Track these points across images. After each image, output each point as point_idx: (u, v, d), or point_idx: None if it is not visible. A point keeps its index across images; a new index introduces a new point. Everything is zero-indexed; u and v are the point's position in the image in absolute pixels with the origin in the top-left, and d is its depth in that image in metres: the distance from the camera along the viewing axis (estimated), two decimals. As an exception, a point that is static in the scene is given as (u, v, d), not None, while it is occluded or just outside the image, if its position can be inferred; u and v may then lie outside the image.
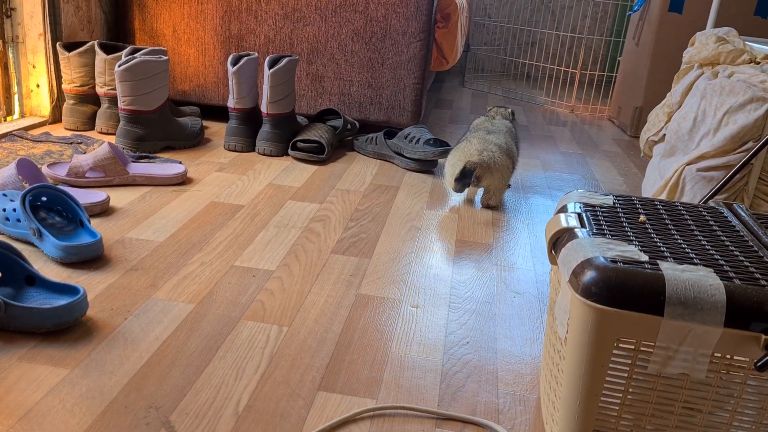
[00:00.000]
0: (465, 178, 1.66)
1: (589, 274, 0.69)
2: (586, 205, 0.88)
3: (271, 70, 1.92)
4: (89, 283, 1.16)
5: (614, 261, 0.70)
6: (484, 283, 1.30)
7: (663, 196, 1.68)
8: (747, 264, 0.73)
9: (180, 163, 1.77)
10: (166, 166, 1.71)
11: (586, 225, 0.81)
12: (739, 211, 0.91)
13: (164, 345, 1.00)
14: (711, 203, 0.94)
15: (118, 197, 1.56)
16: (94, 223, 1.41)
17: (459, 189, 1.69)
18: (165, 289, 1.16)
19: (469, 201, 1.77)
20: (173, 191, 1.63)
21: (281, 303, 1.15)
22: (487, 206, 1.73)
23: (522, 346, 1.09)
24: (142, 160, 1.79)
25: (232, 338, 1.03)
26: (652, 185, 1.74)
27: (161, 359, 0.96)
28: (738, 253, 0.76)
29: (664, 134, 1.83)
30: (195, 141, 2.01)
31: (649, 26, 2.67)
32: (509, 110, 1.99)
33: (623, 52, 3.01)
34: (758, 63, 1.69)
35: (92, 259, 1.24)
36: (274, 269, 1.27)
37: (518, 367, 1.03)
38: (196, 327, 1.05)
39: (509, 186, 1.96)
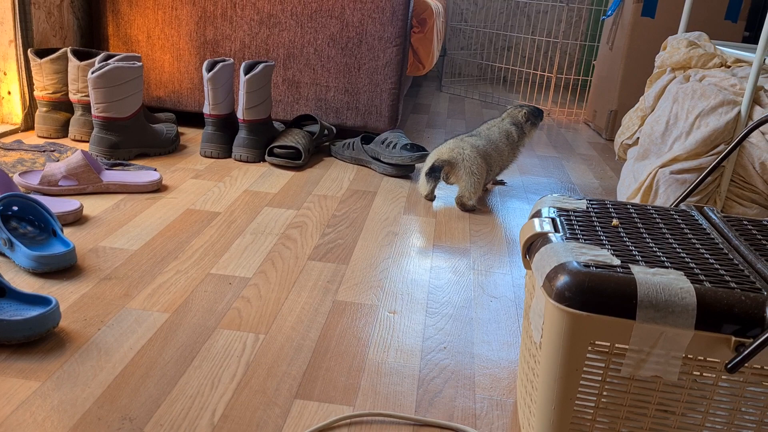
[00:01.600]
0: (434, 172, 1.73)
1: (562, 279, 0.69)
2: (560, 209, 0.88)
3: (247, 76, 1.91)
4: (62, 293, 1.15)
5: (587, 265, 0.71)
6: (461, 288, 1.30)
7: (637, 199, 1.70)
8: (717, 267, 0.74)
9: (155, 170, 1.75)
10: (140, 173, 1.69)
11: (560, 230, 0.81)
12: (710, 213, 0.92)
13: (138, 355, 0.99)
14: (683, 206, 0.95)
15: (92, 206, 1.54)
16: (67, 233, 1.39)
17: (428, 190, 1.76)
18: (139, 298, 1.15)
19: (447, 206, 1.77)
20: (148, 199, 1.61)
21: (258, 310, 1.14)
22: (461, 206, 1.74)
23: (499, 351, 1.09)
24: (117, 168, 1.77)
25: (207, 347, 1.02)
26: (627, 188, 1.76)
27: (135, 370, 0.95)
28: (708, 256, 0.77)
29: (638, 137, 1.85)
30: (170, 148, 2.00)
31: (622, 31, 2.71)
32: (523, 111, 1.93)
33: (598, 56, 3.04)
34: (729, 67, 1.72)
35: (65, 268, 1.22)
36: (251, 276, 1.27)
37: (495, 372, 1.03)
38: (171, 336, 1.04)
39: (503, 183, 1.97)
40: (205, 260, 1.32)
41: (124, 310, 1.11)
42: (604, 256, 0.73)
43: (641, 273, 0.69)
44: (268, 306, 1.16)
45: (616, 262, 0.72)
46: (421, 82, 3.92)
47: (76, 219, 1.44)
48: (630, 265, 0.71)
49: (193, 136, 2.21)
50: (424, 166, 1.77)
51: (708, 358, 0.68)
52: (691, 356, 0.68)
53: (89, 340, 1.01)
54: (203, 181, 1.78)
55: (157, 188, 1.67)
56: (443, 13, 3.01)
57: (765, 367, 0.67)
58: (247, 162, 1.97)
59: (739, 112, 1.59)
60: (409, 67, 2.41)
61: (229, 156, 2.01)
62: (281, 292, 1.22)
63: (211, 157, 1.99)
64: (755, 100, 1.60)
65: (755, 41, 2.78)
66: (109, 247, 1.34)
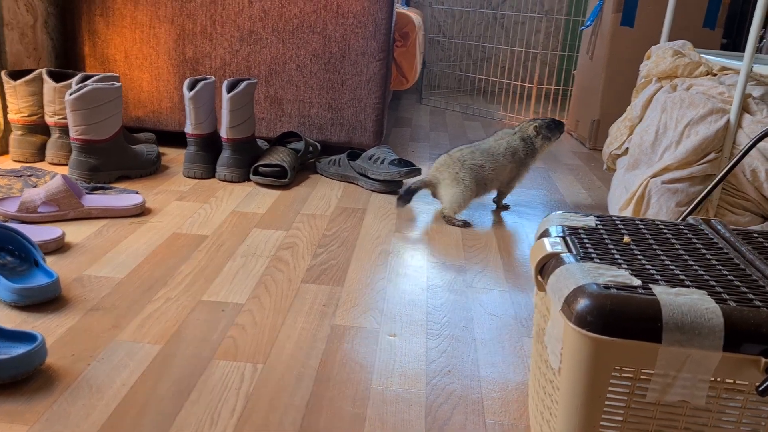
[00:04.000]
0: (408, 195, 1.76)
1: (582, 302, 0.67)
2: (569, 227, 0.86)
3: (229, 95, 1.87)
4: (47, 327, 1.09)
5: (607, 287, 0.68)
6: (460, 307, 1.27)
7: (629, 209, 1.68)
8: (738, 284, 0.72)
9: (137, 193, 1.70)
10: (122, 197, 1.64)
11: (572, 249, 0.79)
12: (719, 227, 0.90)
13: (132, 391, 0.94)
14: (690, 220, 0.94)
15: (74, 232, 1.49)
16: (50, 262, 1.33)
17: (400, 206, 1.79)
18: (129, 329, 1.10)
19: (438, 221, 1.75)
20: (132, 223, 1.56)
21: (254, 338, 1.10)
22: (445, 219, 1.72)
23: (505, 372, 1.06)
24: (98, 192, 1.71)
25: (204, 380, 0.98)
26: (618, 198, 1.75)
27: (129, 407, 0.91)
28: (726, 273, 0.75)
29: (627, 147, 1.85)
30: (152, 169, 1.95)
31: (602, 40, 2.72)
32: (533, 125, 1.82)
33: (577, 66, 3.05)
34: (715, 75, 1.72)
35: (49, 300, 1.17)
36: (244, 302, 1.22)
37: (503, 395, 1.00)
38: (165, 370, 1.00)
39: (507, 207, 1.90)
40: (195, 286, 1.27)
41: (113, 343, 1.06)
42: (623, 276, 0.71)
43: (663, 293, 0.67)
44: (264, 333, 1.12)
45: (637, 282, 0.69)
46: (401, 95, 3.91)
47: (59, 247, 1.39)
48: (651, 286, 0.69)
49: (174, 156, 2.16)
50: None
51: (736, 381, 0.66)
52: (718, 379, 0.66)
53: (79, 376, 0.97)
54: (188, 202, 1.73)
55: (141, 212, 1.62)
56: (423, 26, 3.01)
57: (795, 388, 0.65)
58: (231, 182, 1.93)
59: (729, 120, 1.58)
60: (393, 81, 2.39)
61: (213, 176, 1.96)
62: (277, 317, 1.18)
63: (195, 178, 1.94)
64: (744, 108, 1.60)
65: (733, 48, 2.81)
66: (95, 275, 1.29)
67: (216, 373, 1.00)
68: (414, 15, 2.56)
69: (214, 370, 1.01)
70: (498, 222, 1.78)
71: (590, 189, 2.17)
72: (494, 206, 1.91)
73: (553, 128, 1.85)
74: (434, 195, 1.79)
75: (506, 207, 1.91)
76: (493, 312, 1.26)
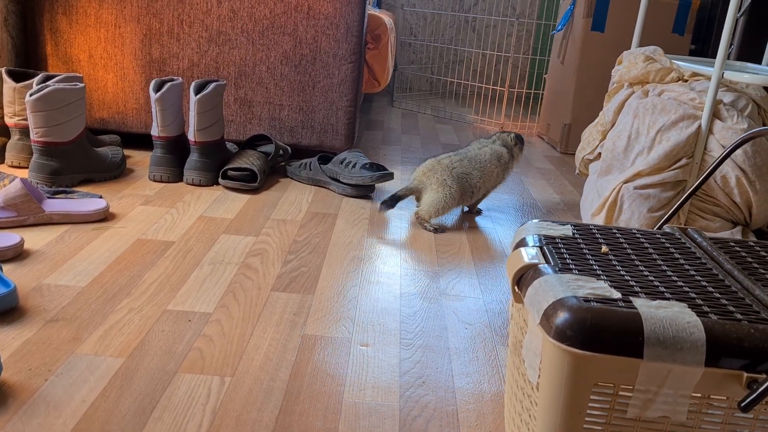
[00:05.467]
0: (393, 201, 1.73)
1: (562, 316, 0.65)
2: (545, 237, 0.84)
3: (197, 96, 1.82)
4: (2, 340, 1.04)
5: (587, 300, 0.66)
6: (433, 315, 1.25)
7: (602, 215, 1.68)
8: (717, 296, 0.70)
9: (101, 197, 1.65)
10: (85, 201, 1.59)
11: (550, 260, 0.77)
12: (695, 236, 0.89)
13: (92, 408, 0.90)
14: (666, 228, 0.93)
15: (33, 239, 1.43)
16: (7, 270, 1.28)
17: (382, 210, 1.77)
18: (90, 342, 1.06)
19: (411, 226, 1.72)
20: (94, 229, 1.51)
21: (221, 350, 1.07)
22: (417, 218, 1.70)
23: (480, 383, 1.04)
24: (59, 196, 1.65)
25: (168, 395, 0.94)
26: (591, 204, 1.75)
27: (89, 425, 0.86)
28: (705, 284, 0.73)
29: (600, 152, 1.85)
30: (117, 172, 1.89)
31: (573, 45, 2.72)
32: (512, 135, 1.91)
33: (549, 70, 3.06)
34: (686, 81, 1.72)
35: (5, 311, 1.12)
36: (212, 311, 1.19)
37: (479, 407, 0.98)
38: (128, 384, 0.96)
39: (479, 212, 1.89)
40: (160, 295, 1.23)
41: (73, 356, 1.01)
42: (603, 288, 0.69)
43: (644, 307, 0.65)
44: (233, 344, 1.09)
45: (617, 295, 0.68)
46: (373, 98, 3.88)
47: (17, 254, 1.33)
48: (631, 298, 0.67)
49: (140, 159, 2.11)
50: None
51: (717, 396, 0.64)
52: (699, 394, 0.64)
53: (35, 393, 0.92)
54: (154, 207, 1.68)
55: (104, 217, 1.57)
56: (394, 28, 2.98)
57: (776, 403, 0.64)
58: (199, 186, 1.88)
59: (700, 126, 1.59)
60: (365, 84, 2.37)
61: (180, 180, 1.91)
62: (245, 327, 1.14)
63: (161, 182, 1.89)
64: (715, 114, 1.60)
65: (702, 54, 2.84)
66: (54, 284, 1.23)
67: (181, 388, 0.96)
68: (386, 17, 2.53)
69: (179, 384, 0.97)
70: (471, 227, 1.76)
71: (562, 193, 2.17)
72: (465, 210, 1.89)
73: (522, 140, 1.96)
74: (417, 200, 1.76)
75: (479, 212, 1.90)
76: (467, 320, 1.24)
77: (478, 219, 1.84)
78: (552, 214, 1.93)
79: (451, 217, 1.83)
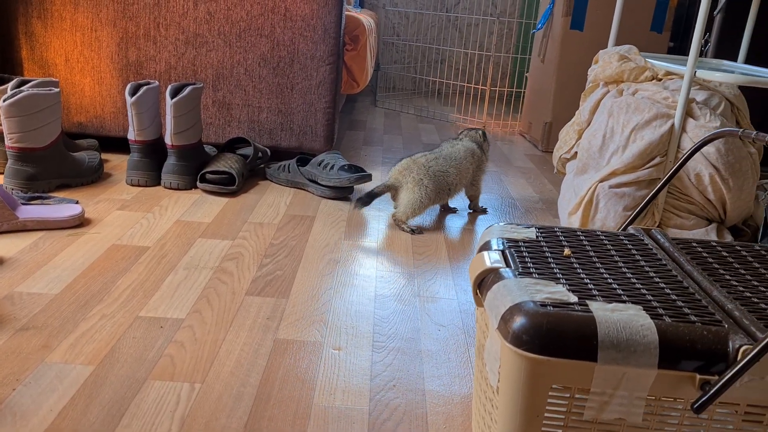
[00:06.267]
0: (369, 198, 1.74)
1: (518, 321, 0.65)
2: (509, 240, 0.85)
3: (173, 100, 1.82)
4: (-29, 349, 1.04)
5: (543, 305, 0.67)
6: (407, 317, 1.25)
7: (579, 214, 1.69)
8: (674, 298, 0.71)
9: (77, 202, 1.64)
10: (61, 207, 1.58)
11: (511, 263, 0.77)
12: (659, 237, 0.90)
13: (60, 417, 0.89)
14: (631, 230, 0.93)
15: (7, 246, 1.42)
16: (-22, 278, 1.27)
17: (357, 208, 1.76)
18: (60, 350, 1.05)
19: (388, 228, 1.73)
20: (69, 235, 1.50)
21: (193, 356, 1.06)
22: (395, 220, 1.71)
23: (450, 385, 1.05)
24: (35, 202, 1.65)
25: (137, 402, 0.94)
26: (568, 202, 1.76)
27: (56, 435, 0.86)
28: (664, 286, 0.74)
29: (576, 151, 1.86)
30: (94, 177, 1.88)
31: (553, 43, 2.73)
32: (480, 132, 1.95)
33: (530, 68, 3.07)
34: (660, 80, 1.74)
35: (-25, 320, 1.11)
36: (184, 317, 1.18)
37: (448, 409, 0.98)
38: (97, 393, 0.95)
39: (485, 210, 1.92)
40: (133, 302, 1.22)
41: (43, 365, 1.01)
42: (561, 293, 0.69)
43: (600, 310, 0.66)
44: (204, 350, 1.09)
45: (573, 299, 0.68)
46: (356, 98, 3.88)
47: (-11, 262, 1.33)
48: (588, 302, 0.68)
49: (118, 163, 2.10)
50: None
51: (672, 397, 0.65)
52: (654, 396, 0.65)
53: (2, 402, 0.91)
54: (130, 212, 1.68)
55: (80, 223, 1.57)
56: (375, 29, 2.98)
57: (730, 403, 0.65)
58: (177, 189, 1.88)
59: (673, 125, 1.60)
60: (344, 85, 2.36)
61: (158, 184, 1.91)
62: (218, 332, 1.14)
63: (138, 186, 1.88)
64: (688, 113, 1.62)
65: (680, 52, 2.86)
66: (26, 292, 1.23)
67: (150, 395, 0.96)
68: (365, 18, 2.53)
69: (148, 391, 0.97)
70: (448, 227, 1.77)
71: (541, 192, 2.18)
72: (442, 210, 1.90)
73: (486, 136, 1.99)
74: (393, 198, 1.77)
75: (484, 210, 1.92)
76: (440, 322, 1.25)
77: (455, 219, 1.84)
78: (530, 213, 1.94)
79: (428, 218, 1.83)
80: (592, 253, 0.83)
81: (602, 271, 0.77)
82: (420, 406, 0.98)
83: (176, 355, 1.06)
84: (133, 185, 1.88)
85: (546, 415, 0.67)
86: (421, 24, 4.08)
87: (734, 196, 1.61)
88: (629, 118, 1.64)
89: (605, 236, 0.89)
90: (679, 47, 2.85)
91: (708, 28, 2.52)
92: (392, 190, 1.75)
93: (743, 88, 2.14)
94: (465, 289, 1.40)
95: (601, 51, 1.89)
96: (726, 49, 2.53)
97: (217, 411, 0.93)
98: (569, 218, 1.73)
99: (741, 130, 0.83)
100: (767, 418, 0.66)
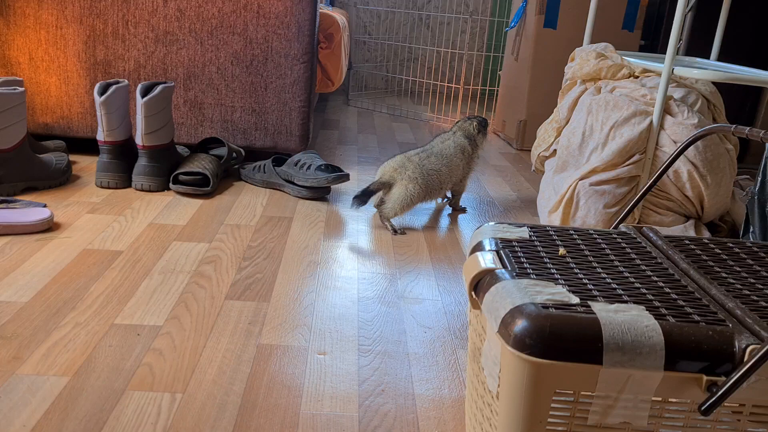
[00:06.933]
0: (365, 195, 1.70)
1: (520, 324, 0.63)
2: (502, 240, 0.83)
3: (144, 99, 1.77)
4: (-64, 362, 0.98)
5: (545, 306, 0.65)
6: (392, 319, 1.23)
7: (559, 212, 1.68)
8: (675, 296, 0.70)
9: (45, 206, 1.58)
10: (28, 211, 1.52)
11: (507, 264, 0.75)
12: (651, 234, 0.89)
13: (34, 433, 0.85)
14: (622, 228, 0.92)
15: (-29, 252, 1.36)
16: (-58, 286, 1.21)
17: (354, 206, 1.71)
18: (32, 361, 1.00)
19: (368, 228, 1.70)
20: (38, 240, 1.45)
21: (172, 364, 1.03)
22: (381, 216, 1.70)
23: (440, 389, 1.02)
24: (1, 206, 1.58)
25: (116, 415, 0.90)
26: (547, 201, 1.75)
27: (30, 452, 0.82)
28: (662, 285, 0.73)
29: (555, 149, 1.85)
30: (62, 179, 1.82)
31: (526, 42, 2.74)
32: (474, 123, 1.90)
33: (503, 66, 3.06)
34: (637, 77, 1.74)
35: (-61, 331, 1.06)
36: (162, 324, 1.14)
37: (440, 414, 0.96)
38: (73, 405, 0.91)
39: (464, 210, 1.91)
40: (107, 308, 1.18)
41: (14, 378, 0.96)
42: (561, 294, 0.68)
43: (603, 311, 0.64)
44: (184, 358, 1.05)
45: (575, 300, 0.66)
46: (328, 97, 3.84)
47: (-48, 270, 1.27)
48: (590, 303, 0.66)
49: (86, 164, 2.03)
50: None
51: (677, 400, 0.63)
52: (660, 399, 0.63)
53: (-28, 419, 0.87)
54: (101, 215, 1.62)
55: (49, 227, 1.51)
56: (347, 27, 2.95)
57: (737, 404, 0.64)
58: (149, 191, 1.83)
59: (652, 122, 1.60)
60: (318, 84, 2.33)
61: (129, 186, 1.85)
62: (198, 339, 1.10)
63: (109, 188, 1.82)
64: (666, 110, 1.62)
65: (651, 50, 2.88)
66: (-6, 300, 1.17)
67: (130, 407, 0.92)
68: (339, 15, 2.50)
69: (127, 402, 0.92)
70: (428, 227, 1.75)
71: (519, 190, 2.17)
72: (422, 210, 1.88)
73: (485, 125, 1.94)
74: (384, 194, 1.74)
75: (463, 210, 1.91)
76: (426, 324, 1.23)
77: (433, 218, 1.82)
78: (509, 212, 1.93)
79: (408, 217, 1.81)
80: (587, 252, 0.81)
81: (599, 270, 0.76)
82: (410, 411, 0.96)
83: (155, 364, 1.02)
84: (103, 187, 1.82)
85: (549, 420, 0.65)
86: (393, 22, 4.06)
87: (712, 192, 1.62)
88: (608, 116, 1.64)
89: (598, 234, 0.88)
90: (650, 45, 2.87)
91: (681, 27, 2.54)
92: (386, 187, 1.72)
93: (717, 85, 2.17)
94: (449, 290, 1.38)
95: (577, 49, 1.89)
96: (697, 47, 2.56)
97: (200, 422, 0.90)
98: (549, 216, 1.72)
99: (734, 125, 0.82)
100: (772, 418, 0.65)
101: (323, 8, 2.56)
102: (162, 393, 0.95)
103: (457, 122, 1.94)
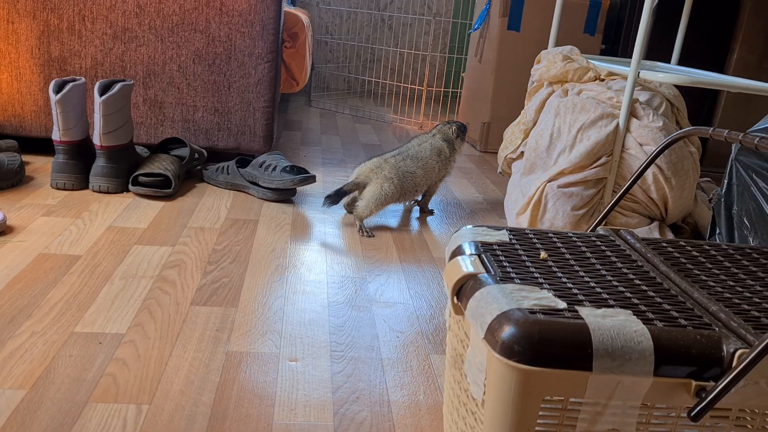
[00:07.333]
0: (338, 196, 1.68)
1: (508, 330, 0.62)
2: (483, 244, 0.81)
3: (102, 98, 1.70)
4: None
5: (532, 312, 0.63)
6: (363, 324, 1.21)
7: (527, 214, 1.68)
8: (659, 300, 0.69)
9: (-3, 208, 1.51)
10: (-22, 214, 1.45)
11: (490, 269, 0.74)
12: (628, 237, 0.89)
13: (-11, 450, 0.80)
14: (600, 230, 0.92)
15: None
16: None
17: (326, 205, 1.70)
18: (-14, 373, 0.95)
19: (335, 230, 1.67)
20: (-10, 244, 1.38)
21: (137, 374, 0.98)
22: (355, 216, 1.68)
23: (416, 394, 1.00)
24: (-52, 208, 1.50)
25: (78, 429, 0.85)
26: (515, 203, 1.75)
27: (-14, 471, 0.77)
28: (646, 288, 0.72)
29: (522, 151, 1.85)
30: (14, 180, 1.74)
31: (490, 44, 2.74)
32: (453, 128, 1.90)
33: (466, 68, 3.07)
34: (603, 80, 1.75)
35: None
36: (125, 332, 1.09)
37: (416, 420, 0.94)
38: (31, 420, 0.86)
39: (432, 212, 1.90)
40: (66, 316, 1.12)
41: (-34, 391, 0.90)
42: (548, 299, 0.66)
43: (591, 316, 0.63)
44: (149, 367, 1.00)
45: (562, 305, 0.65)
46: (290, 97, 3.80)
47: None
48: (577, 308, 0.65)
49: (41, 165, 1.96)
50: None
51: (666, 405, 0.63)
52: (648, 404, 0.63)
53: None
54: (57, 218, 1.56)
55: (1, 231, 1.44)
56: (310, 26, 2.92)
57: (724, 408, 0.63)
58: (107, 193, 1.76)
59: (618, 125, 1.62)
60: (283, 83, 2.29)
61: (86, 187, 1.78)
62: (163, 347, 1.06)
63: (65, 189, 1.75)
64: (632, 113, 1.63)
65: (612, 53, 2.92)
66: (-57, 309, 1.11)
67: (93, 420, 0.87)
68: (303, 15, 2.47)
69: (90, 416, 0.88)
70: (397, 229, 1.73)
71: (485, 192, 2.17)
72: (390, 212, 1.86)
73: (464, 130, 1.95)
74: (358, 194, 1.73)
75: (431, 212, 1.89)
76: (397, 328, 1.21)
77: (400, 220, 1.81)
78: (476, 214, 1.93)
79: (377, 219, 1.79)
80: (568, 256, 0.80)
81: (582, 274, 0.75)
82: (387, 419, 0.94)
83: (119, 374, 0.98)
84: (59, 189, 1.75)
85: (536, 428, 0.63)
86: (355, 23, 4.03)
87: (676, 194, 1.64)
88: (576, 118, 1.65)
89: (578, 237, 0.87)
90: (610, 49, 2.91)
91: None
92: (360, 188, 1.70)
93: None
94: (419, 294, 1.36)
95: (543, 51, 1.89)
96: (656, 51, 2.60)
97: (168, 434, 0.86)
98: (517, 218, 1.72)
99: (711, 128, 0.82)
100: (758, 423, 0.64)
101: (287, 7, 2.52)
102: (127, 405, 0.91)
103: (437, 125, 1.94)
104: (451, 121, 1.95)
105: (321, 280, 1.37)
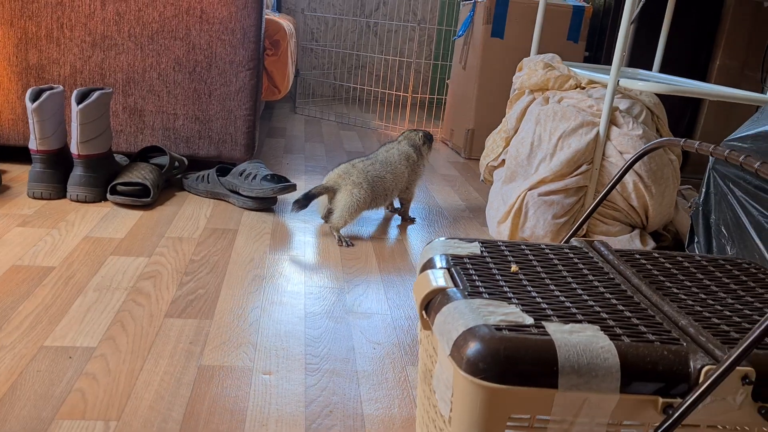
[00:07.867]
0: (306, 200, 1.66)
1: (473, 347, 0.61)
2: (453, 257, 0.80)
3: (80, 106, 1.69)
4: None
5: (499, 328, 0.62)
6: (340, 336, 1.19)
7: (508, 222, 1.68)
8: (628, 315, 0.68)
9: (-30, 219, 1.49)
10: (-49, 224, 1.43)
11: (459, 283, 0.73)
12: (602, 249, 0.88)
13: (-51, 470, 0.78)
14: (573, 242, 0.91)
15: None
16: None
17: (294, 210, 1.68)
18: (-50, 389, 0.93)
19: (315, 240, 1.66)
20: (-38, 256, 1.36)
21: (107, 390, 0.96)
22: (330, 226, 1.68)
23: (390, 408, 0.99)
24: None
25: (43, 447, 0.83)
26: (496, 211, 1.74)
27: (-55, 492, 0.75)
28: (616, 302, 0.71)
29: (504, 159, 1.85)
30: (-10, 190, 1.72)
31: (474, 51, 2.74)
32: (420, 134, 1.91)
33: (451, 75, 3.07)
34: (584, 88, 1.75)
35: None
36: (96, 345, 1.08)
37: (389, 435, 0.93)
38: (-5, 438, 0.84)
39: (413, 220, 1.89)
40: (36, 329, 1.11)
41: (-71, 409, 0.89)
42: (515, 314, 0.65)
43: (558, 333, 0.62)
44: (120, 382, 0.99)
45: (529, 320, 0.64)
46: (274, 104, 3.78)
47: None
48: (544, 323, 0.64)
49: (18, 174, 1.93)
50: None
51: (633, 422, 0.62)
52: (615, 422, 0.62)
53: None
54: (33, 228, 1.54)
55: (-26, 241, 1.42)
56: (294, 34, 2.91)
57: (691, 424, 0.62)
58: (84, 202, 1.74)
59: (598, 133, 1.61)
60: (264, 91, 2.28)
61: (63, 196, 1.76)
62: (134, 361, 1.04)
63: (42, 199, 1.73)
64: (612, 121, 1.63)
65: (595, 61, 2.93)
66: None
67: (59, 438, 0.85)
68: (285, 22, 2.46)
69: (56, 433, 0.86)
70: (377, 237, 1.72)
71: (468, 200, 2.16)
72: (369, 220, 1.85)
73: (430, 138, 1.95)
74: (330, 200, 1.71)
75: (412, 220, 1.89)
76: (374, 339, 1.19)
77: (381, 228, 1.80)
78: (458, 222, 1.92)
79: (357, 228, 1.78)
80: (539, 269, 0.79)
81: (552, 287, 0.74)
82: (359, 434, 0.92)
83: (88, 390, 0.96)
84: (35, 198, 1.73)
85: (503, 446, 0.62)
86: (341, 30, 4.03)
87: (656, 202, 1.64)
88: (556, 126, 1.65)
89: (550, 250, 0.86)
90: (593, 57, 2.92)
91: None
92: (330, 192, 1.69)
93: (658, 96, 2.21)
94: (398, 304, 1.35)
95: (525, 59, 1.89)
96: (639, 59, 2.61)
97: (136, 452, 0.84)
98: (498, 227, 1.72)
99: (683, 140, 0.82)
100: (727, 439, 0.64)
101: (269, 14, 2.51)
102: (95, 421, 0.89)
103: (403, 132, 1.94)
104: (418, 128, 1.97)
105: (299, 290, 1.36)
